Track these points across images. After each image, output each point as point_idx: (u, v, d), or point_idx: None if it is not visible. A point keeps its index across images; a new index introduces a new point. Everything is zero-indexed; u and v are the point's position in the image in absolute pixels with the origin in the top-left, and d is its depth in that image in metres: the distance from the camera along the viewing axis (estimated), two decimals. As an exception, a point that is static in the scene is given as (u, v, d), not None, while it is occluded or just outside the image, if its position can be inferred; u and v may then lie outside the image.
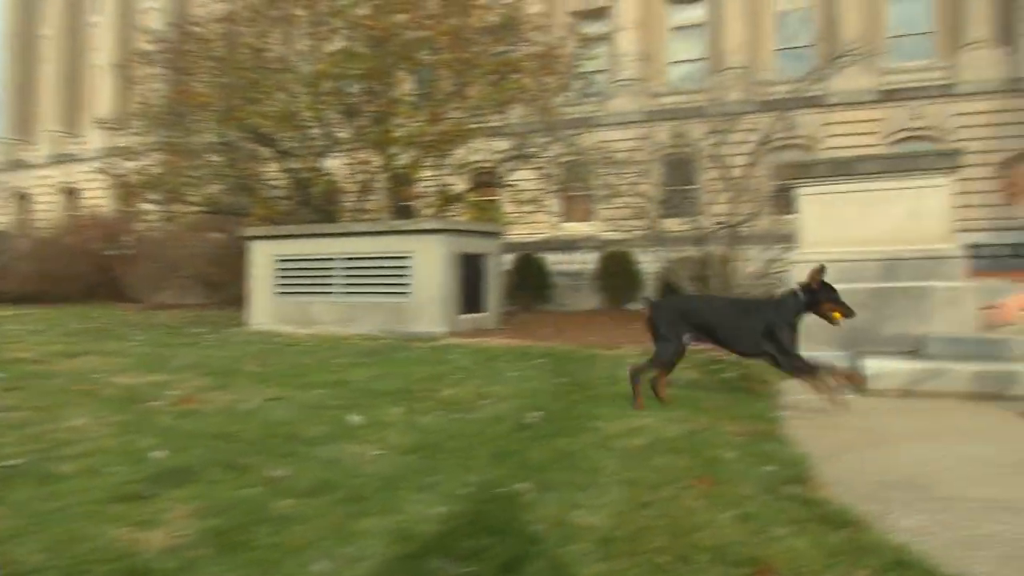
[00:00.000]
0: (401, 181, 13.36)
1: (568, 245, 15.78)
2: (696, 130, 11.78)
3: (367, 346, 8.47)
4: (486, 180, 14.45)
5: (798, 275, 6.97)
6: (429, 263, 9.84)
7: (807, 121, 21.81)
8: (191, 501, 2.98)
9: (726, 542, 2.49)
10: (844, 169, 7.13)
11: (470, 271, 10.24)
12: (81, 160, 31.99)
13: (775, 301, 4.97)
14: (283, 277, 11.06)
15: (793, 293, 4.84)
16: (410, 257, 9.97)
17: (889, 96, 22.46)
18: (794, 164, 8.07)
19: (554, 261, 15.08)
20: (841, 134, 22.14)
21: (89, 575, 2.33)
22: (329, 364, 7.02)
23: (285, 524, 2.71)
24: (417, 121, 12.23)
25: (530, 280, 14.38)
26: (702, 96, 17.09)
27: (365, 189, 13.49)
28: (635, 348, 7.49)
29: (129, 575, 2.33)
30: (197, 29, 14.35)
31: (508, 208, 14.56)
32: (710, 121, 11.21)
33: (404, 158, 12.81)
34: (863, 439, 4.10)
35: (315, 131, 13.15)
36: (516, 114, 13.40)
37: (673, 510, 2.80)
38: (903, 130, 22.37)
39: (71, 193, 33.54)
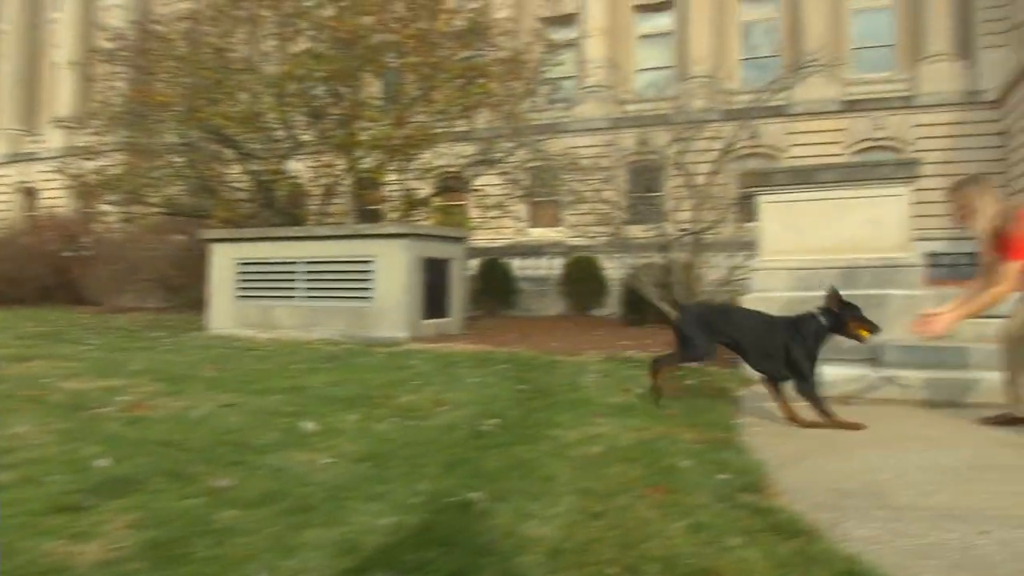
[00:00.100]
0: (366, 185, 13.26)
1: (534, 250, 15.76)
2: (661, 137, 11.81)
3: (328, 351, 8.36)
4: (452, 185, 14.38)
5: (760, 282, 7.04)
6: (392, 267, 9.75)
7: (772, 130, 22.09)
8: (131, 512, 2.87)
9: (677, 553, 2.46)
10: (804, 178, 7.18)
11: (434, 276, 10.16)
12: (40, 159, 31.29)
13: (794, 321, 4.82)
14: (244, 281, 10.90)
15: (812, 316, 4.75)
16: (373, 261, 9.87)
17: (852, 106, 22.82)
18: (755, 172, 8.11)
19: (520, 266, 15.05)
20: (805, 143, 22.44)
21: (15, 591, 2.23)
22: (288, 369, 6.91)
23: (227, 536, 2.62)
24: (382, 124, 12.14)
25: (495, 285, 14.32)
26: (668, 104, 17.18)
27: (329, 192, 13.36)
28: (598, 354, 7.49)
29: (58, 591, 2.24)
30: (159, 27, 14.14)
31: (473, 213, 14.50)
32: (675, 129, 11.24)
33: (369, 161, 12.71)
34: (820, 446, 4.11)
35: (279, 133, 13.00)
36: (482, 119, 13.37)
37: (625, 520, 2.76)
38: (866, 140, 22.75)
39: (29, 193, 32.81)
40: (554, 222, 20.97)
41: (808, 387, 4.61)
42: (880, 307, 6.27)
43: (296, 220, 12.99)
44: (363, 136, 12.22)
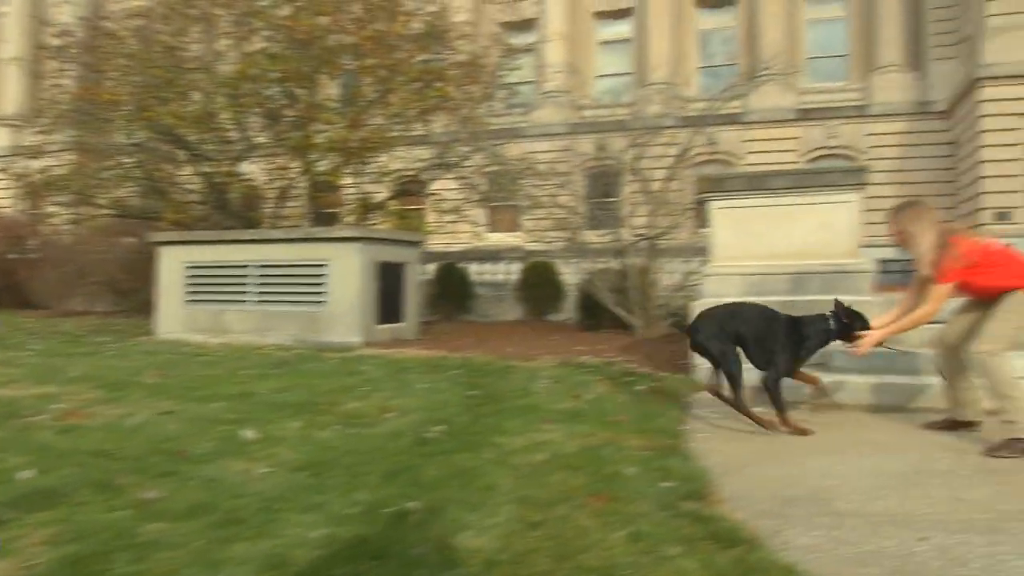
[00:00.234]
0: (322, 188, 13.07)
1: (491, 255, 15.65)
2: (619, 143, 11.85)
3: (278, 356, 8.19)
4: (409, 189, 14.24)
5: (712, 288, 7.06)
6: (346, 272, 9.60)
7: (728, 137, 22.37)
8: (51, 526, 2.74)
9: (614, 563, 2.41)
10: (755, 184, 7.23)
11: (389, 280, 10.03)
12: (-15, 158, 30.43)
13: (797, 320, 4.79)
14: (194, 284, 10.64)
15: (824, 318, 4.74)
16: (326, 265, 9.72)
17: (806, 115, 23.23)
18: (707, 178, 8.15)
19: (477, 271, 14.95)
20: (761, 151, 22.78)
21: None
22: (235, 375, 6.74)
23: (149, 550, 2.51)
24: (338, 127, 11.97)
25: (452, 290, 14.20)
26: (626, 110, 17.27)
27: (284, 195, 13.14)
28: (552, 359, 7.45)
29: (-39, 612, 2.12)
30: (109, 24, 13.80)
31: (430, 218, 14.38)
32: (632, 134, 11.28)
33: (325, 164, 12.52)
34: (766, 452, 4.11)
35: (233, 134, 12.75)
36: (440, 123, 13.27)
37: (564, 530, 2.70)
38: (820, 148, 23.18)
39: (-27, 193, 31.89)
40: (512, 227, 20.94)
41: (775, 382, 4.61)
42: (829, 313, 6.30)
43: (250, 223, 12.74)
44: (319, 138, 12.02)
